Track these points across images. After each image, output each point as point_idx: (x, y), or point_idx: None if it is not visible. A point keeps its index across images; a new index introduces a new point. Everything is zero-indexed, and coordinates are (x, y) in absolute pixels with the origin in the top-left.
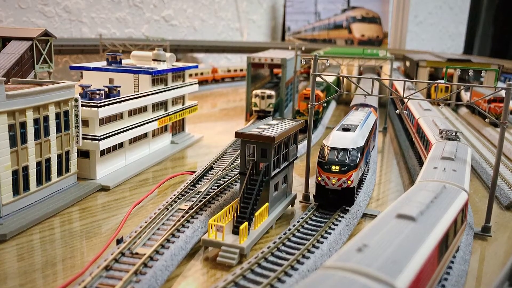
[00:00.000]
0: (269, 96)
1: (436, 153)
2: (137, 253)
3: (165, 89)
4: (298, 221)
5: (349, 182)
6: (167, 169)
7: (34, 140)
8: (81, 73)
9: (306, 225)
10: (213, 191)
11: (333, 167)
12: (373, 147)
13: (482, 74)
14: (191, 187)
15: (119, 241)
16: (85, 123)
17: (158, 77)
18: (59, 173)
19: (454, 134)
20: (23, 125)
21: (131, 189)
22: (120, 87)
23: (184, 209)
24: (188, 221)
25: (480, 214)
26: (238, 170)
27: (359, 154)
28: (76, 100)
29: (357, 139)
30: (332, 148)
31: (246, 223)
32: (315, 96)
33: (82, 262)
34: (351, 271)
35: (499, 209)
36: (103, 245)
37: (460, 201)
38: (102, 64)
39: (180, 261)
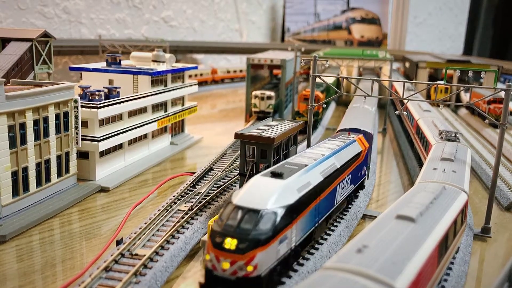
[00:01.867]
0: (269, 97)
1: (435, 154)
2: (136, 254)
3: (165, 90)
4: None
5: (249, 269)
6: (166, 170)
7: (34, 141)
8: (81, 74)
9: None
10: (213, 192)
11: (227, 241)
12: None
13: (481, 75)
14: (191, 188)
15: (118, 242)
16: (85, 124)
17: (157, 78)
18: (59, 174)
19: (453, 135)
20: (22, 126)
21: (130, 190)
22: (119, 88)
23: (183, 210)
24: (187, 222)
25: (480, 215)
26: (238, 171)
27: (278, 220)
28: (75, 101)
29: (284, 193)
30: (237, 208)
31: None
32: (314, 97)
33: (82, 263)
34: (351, 272)
35: (498, 210)
36: (102, 246)
37: (459, 202)
38: (102, 65)
39: (180, 262)
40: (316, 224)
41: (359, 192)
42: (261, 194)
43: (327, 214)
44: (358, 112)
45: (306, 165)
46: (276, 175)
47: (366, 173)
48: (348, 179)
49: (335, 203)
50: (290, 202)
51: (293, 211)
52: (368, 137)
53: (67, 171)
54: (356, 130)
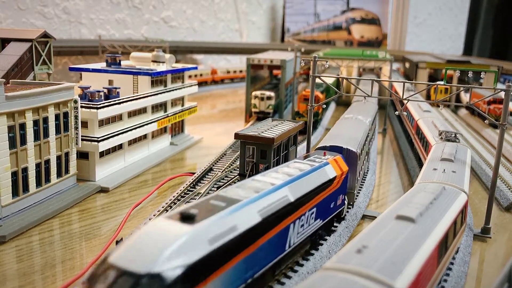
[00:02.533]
0: (269, 98)
1: (435, 155)
2: None
3: (165, 91)
4: None
5: None
6: (166, 171)
7: (34, 141)
8: (81, 74)
9: None
10: (213, 193)
11: None
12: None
13: (481, 76)
14: (191, 189)
15: (118, 243)
16: (85, 124)
17: (157, 79)
18: (59, 174)
19: (453, 135)
20: (22, 126)
21: (130, 190)
22: (119, 88)
23: None
24: None
25: (480, 216)
26: (238, 172)
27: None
28: (75, 102)
29: (186, 247)
30: (111, 268)
31: None
32: (314, 97)
33: (82, 263)
34: (351, 273)
35: (498, 211)
36: (102, 246)
37: (459, 203)
38: (102, 65)
39: None
40: (249, 280)
41: (336, 226)
42: (150, 248)
43: (272, 263)
44: (348, 125)
45: (238, 201)
46: (185, 217)
47: (345, 202)
48: (312, 214)
49: (287, 248)
50: (191, 260)
51: (199, 272)
52: (351, 157)
53: (67, 171)
54: (337, 149)
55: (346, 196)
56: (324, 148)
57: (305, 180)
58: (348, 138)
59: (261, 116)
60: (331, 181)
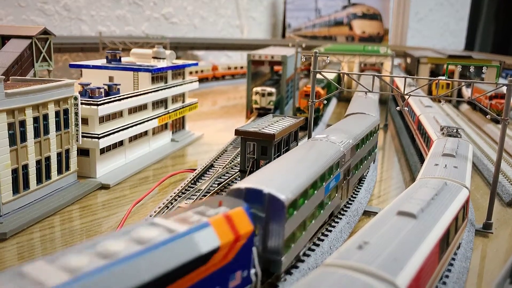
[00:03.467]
0: (270, 94)
1: (437, 150)
2: None
3: (165, 87)
4: None
5: None
6: (167, 167)
7: (34, 138)
8: (81, 71)
9: None
10: (214, 189)
11: None
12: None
13: (483, 71)
14: (192, 185)
15: None
16: (85, 121)
17: (158, 75)
18: (59, 171)
19: (455, 130)
20: (22, 123)
21: (131, 187)
22: (120, 85)
23: (184, 207)
24: None
25: (482, 211)
26: (239, 168)
27: None
28: (75, 98)
29: None
30: None
31: None
32: (315, 93)
33: None
34: (352, 269)
35: (500, 206)
36: None
37: (461, 198)
38: (102, 62)
39: None
40: None
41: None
42: None
43: None
44: (309, 154)
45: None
46: None
47: (257, 277)
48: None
49: None
50: None
51: None
52: (274, 207)
53: (67, 168)
54: (255, 194)
55: (257, 271)
56: (238, 191)
57: (138, 265)
58: (295, 175)
59: (262, 112)
60: (204, 258)
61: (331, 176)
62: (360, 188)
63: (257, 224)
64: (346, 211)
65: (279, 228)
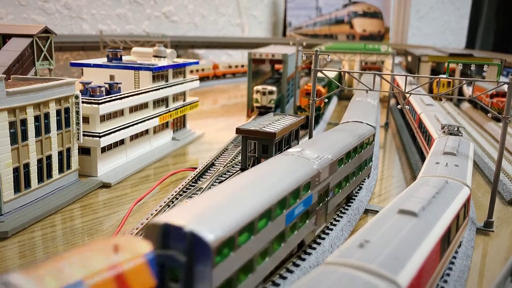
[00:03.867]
0: (271, 92)
1: (438, 148)
2: None
3: (166, 86)
4: None
5: None
6: (168, 166)
7: (35, 137)
8: (82, 69)
9: None
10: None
11: None
12: None
13: (484, 69)
14: (193, 184)
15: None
16: (86, 120)
17: (158, 74)
18: (60, 170)
19: (456, 129)
20: (23, 122)
21: (132, 186)
22: (120, 83)
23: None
24: None
25: (483, 209)
26: (240, 167)
27: None
28: (76, 97)
29: None
30: None
31: None
32: (316, 91)
33: None
34: (353, 267)
35: (501, 204)
36: None
37: (462, 197)
38: (103, 60)
39: None
40: None
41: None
42: None
43: None
44: (265, 176)
45: None
46: None
47: None
48: None
49: None
50: None
51: None
52: (198, 250)
53: (68, 167)
54: (171, 232)
55: None
56: (152, 229)
57: None
58: (238, 203)
59: (263, 110)
60: None
61: (297, 200)
62: (361, 187)
63: (179, 269)
64: (347, 209)
65: (204, 276)
